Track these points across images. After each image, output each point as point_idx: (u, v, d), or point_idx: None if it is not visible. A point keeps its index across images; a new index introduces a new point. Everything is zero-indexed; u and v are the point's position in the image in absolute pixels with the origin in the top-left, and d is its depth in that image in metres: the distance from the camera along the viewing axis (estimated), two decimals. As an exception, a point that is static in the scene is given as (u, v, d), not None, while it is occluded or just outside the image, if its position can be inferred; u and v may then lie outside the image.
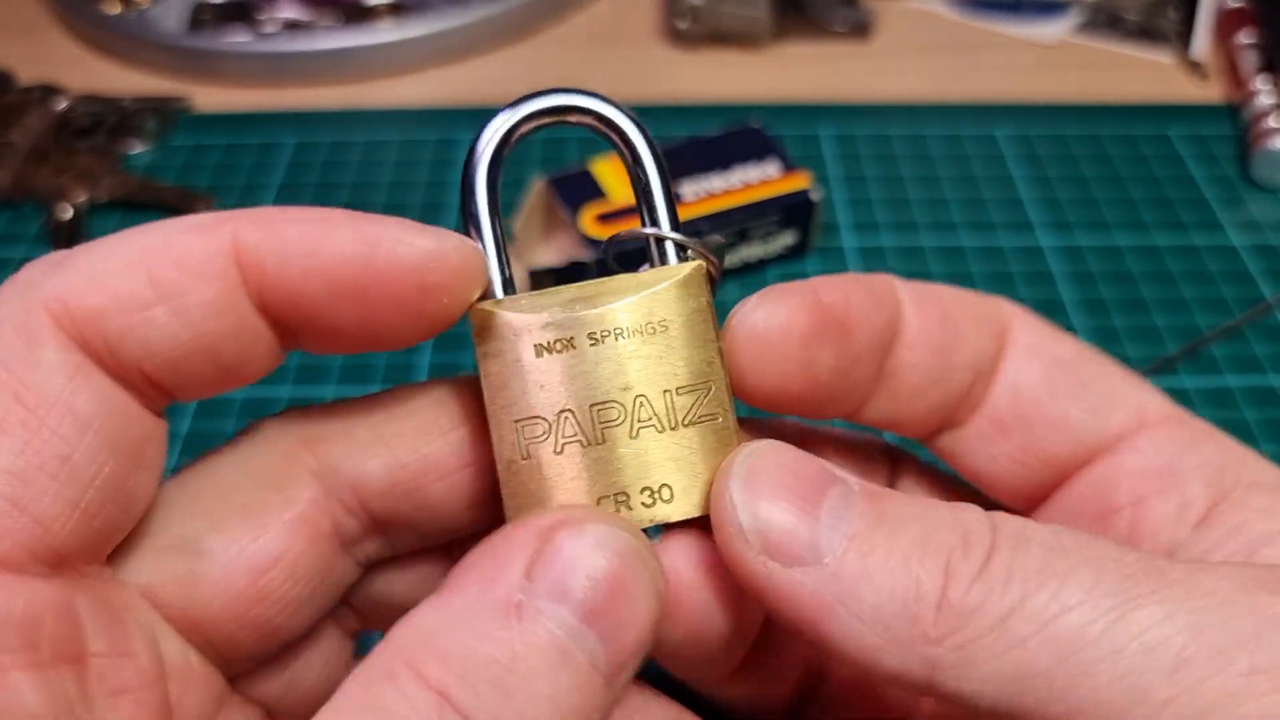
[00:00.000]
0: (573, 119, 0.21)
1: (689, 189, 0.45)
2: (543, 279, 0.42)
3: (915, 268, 0.47)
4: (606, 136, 0.21)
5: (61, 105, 0.56)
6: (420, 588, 0.23)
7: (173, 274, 0.18)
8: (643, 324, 0.20)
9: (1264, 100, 0.53)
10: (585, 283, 0.20)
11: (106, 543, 0.19)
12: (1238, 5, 0.60)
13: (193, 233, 0.18)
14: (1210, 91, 0.58)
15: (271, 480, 0.21)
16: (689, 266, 0.20)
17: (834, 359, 0.21)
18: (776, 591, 0.18)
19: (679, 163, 0.46)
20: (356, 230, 0.18)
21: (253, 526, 0.20)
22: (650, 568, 0.18)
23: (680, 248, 0.21)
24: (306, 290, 0.18)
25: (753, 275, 0.47)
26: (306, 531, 0.21)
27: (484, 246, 0.21)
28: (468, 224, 0.21)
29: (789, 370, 0.20)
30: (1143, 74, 0.59)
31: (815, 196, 0.45)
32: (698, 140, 0.48)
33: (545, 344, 0.20)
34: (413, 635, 0.17)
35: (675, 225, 0.21)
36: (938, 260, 0.48)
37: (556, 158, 0.51)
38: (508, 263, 0.21)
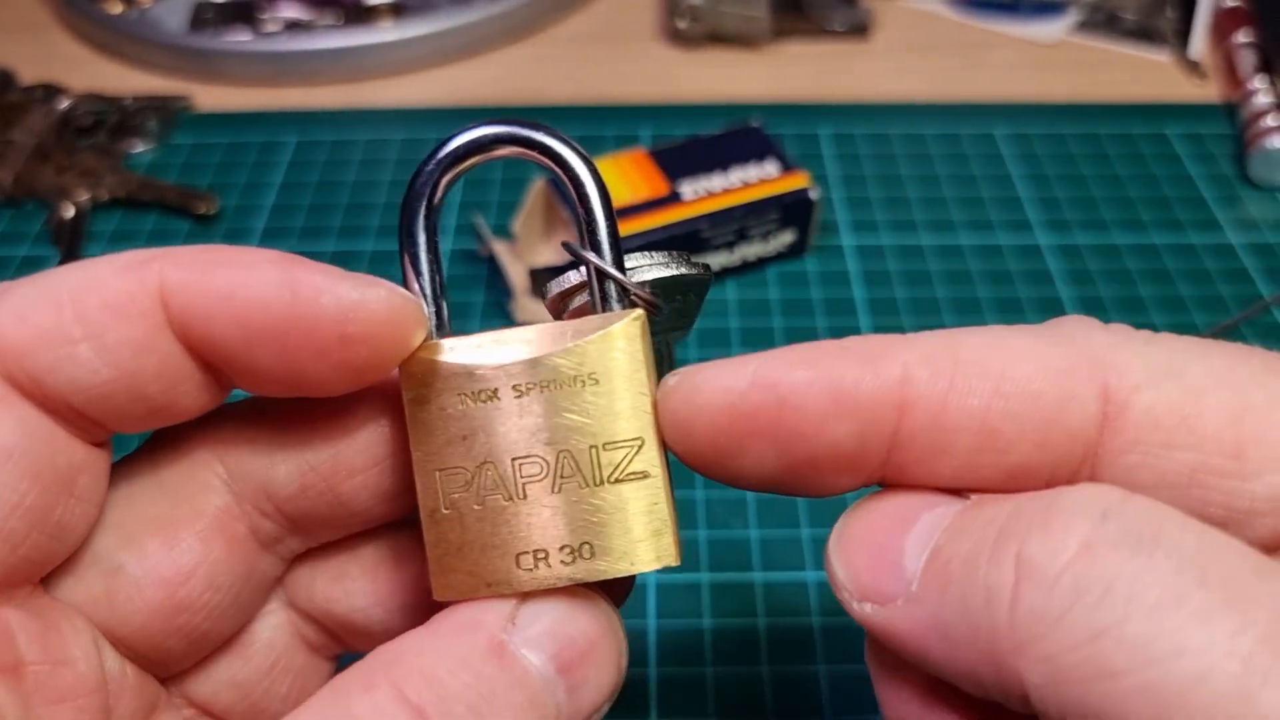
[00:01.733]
0: (505, 151, 0.20)
1: (688, 188, 0.45)
2: (543, 278, 0.43)
3: (914, 266, 0.47)
4: (550, 169, 0.20)
5: (64, 104, 0.56)
6: (348, 576, 0.23)
7: (97, 312, 0.18)
8: (571, 376, 0.19)
9: (1261, 99, 0.53)
10: (519, 328, 0.20)
11: (35, 569, 0.19)
12: (1235, 5, 0.60)
13: (120, 272, 0.18)
14: (1208, 91, 0.58)
15: (182, 492, 0.21)
16: (626, 316, 0.19)
17: (772, 458, 0.18)
18: (882, 633, 0.18)
19: (678, 162, 0.46)
20: (280, 276, 0.18)
21: (165, 540, 0.20)
22: (620, 643, 0.19)
23: (622, 290, 0.20)
24: (224, 333, 0.18)
25: (752, 273, 0.47)
26: (221, 539, 0.21)
27: (423, 292, 0.20)
28: (405, 268, 0.20)
29: (726, 463, 0.19)
30: (1141, 73, 0.59)
31: (814, 195, 0.46)
32: (697, 140, 0.48)
33: (470, 393, 0.19)
34: (396, 655, 0.18)
35: (619, 263, 0.20)
36: (936, 259, 0.48)
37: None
38: (445, 306, 0.20)
